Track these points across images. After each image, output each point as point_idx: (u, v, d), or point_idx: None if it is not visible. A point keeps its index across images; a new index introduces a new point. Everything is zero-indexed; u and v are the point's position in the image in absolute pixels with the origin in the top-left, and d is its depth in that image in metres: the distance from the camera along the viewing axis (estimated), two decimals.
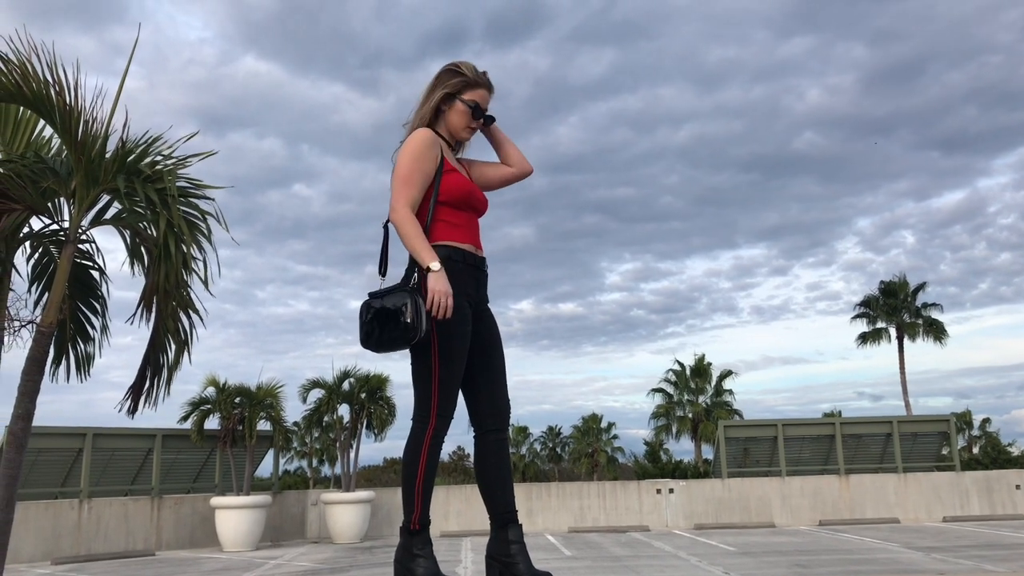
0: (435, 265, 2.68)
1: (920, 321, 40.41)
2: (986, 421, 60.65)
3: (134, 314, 4.15)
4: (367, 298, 2.78)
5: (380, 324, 2.71)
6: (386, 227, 2.91)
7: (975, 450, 51.01)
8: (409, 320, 2.64)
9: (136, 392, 4.24)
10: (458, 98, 2.96)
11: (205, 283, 4.00)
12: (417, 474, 2.76)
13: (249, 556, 10.14)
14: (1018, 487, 12.96)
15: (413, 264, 2.79)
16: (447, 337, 2.75)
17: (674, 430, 42.37)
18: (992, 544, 8.91)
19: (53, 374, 4.68)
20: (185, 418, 11.57)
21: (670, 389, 43.13)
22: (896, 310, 40.65)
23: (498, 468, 2.91)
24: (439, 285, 2.65)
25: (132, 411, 4.22)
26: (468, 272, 2.85)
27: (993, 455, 40.63)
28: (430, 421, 2.77)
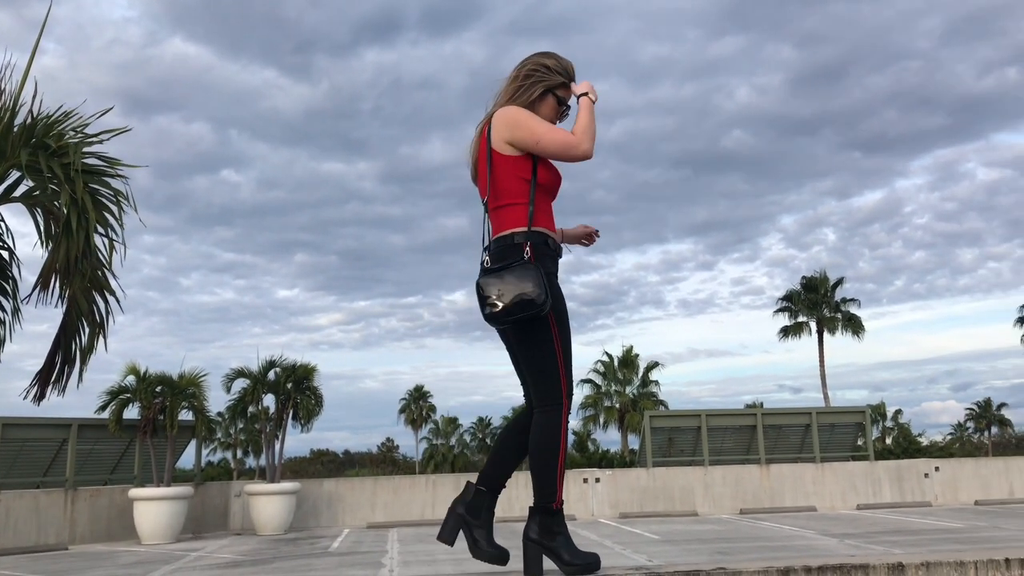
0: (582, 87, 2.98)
1: (839, 316, 41.81)
2: (898, 413, 63.38)
3: (31, 293, 3.96)
4: (483, 274, 2.75)
5: (505, 299, 2.68)
6: (486, 205, 2.89)
7: (888, 440, 53.19)
8: (538, 294, 2.64)
9: (44, 379, 4.05)
10: (554, 93, 3.00)
11: (109, 263, 3.84)
12: (559, 458, 2.80)
13: (169, 549, 9.86)
14: (926, 476, 13.53)
15: (505, 242, 2.76)
16: (560, 313, 2.79)
17: (601, 420, 42.96)
18: (901, 530, 9.28)
19: None
20: (103, 407, 11.16)
21: (598, 380, 43.69)
22: (816, 305, 41.97)
23: (527, 445, 2.88)
24: (585, 86, 2.98)
25: (39, 398, 4.01)
26: (554, 259, 2.89)
27: (904, 445, 42.43)
28: (563, 403, 2.80)
